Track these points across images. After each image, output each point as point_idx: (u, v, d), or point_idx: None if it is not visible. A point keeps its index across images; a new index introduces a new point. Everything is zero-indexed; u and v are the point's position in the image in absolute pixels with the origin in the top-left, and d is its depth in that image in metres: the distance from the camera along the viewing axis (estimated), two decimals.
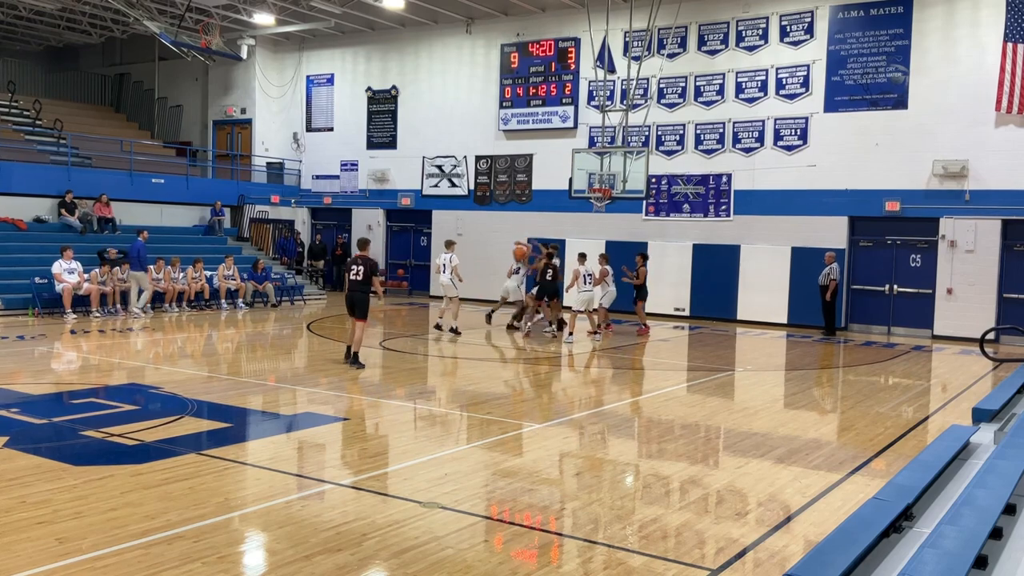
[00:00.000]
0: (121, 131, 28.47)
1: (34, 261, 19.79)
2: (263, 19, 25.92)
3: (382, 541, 5.77)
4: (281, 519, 6.20)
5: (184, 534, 5.74)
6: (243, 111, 29.35)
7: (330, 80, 28.65)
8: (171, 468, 7.34)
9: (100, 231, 22.58)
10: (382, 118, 27.70)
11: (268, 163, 29.40)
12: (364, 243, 13.88)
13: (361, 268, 12.97)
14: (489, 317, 19.51)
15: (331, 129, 28.70)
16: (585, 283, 17.38)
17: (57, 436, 8.58)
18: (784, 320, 20.91)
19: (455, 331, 17.33)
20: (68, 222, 22.17)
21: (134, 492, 6.64)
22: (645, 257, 19.61)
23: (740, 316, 21.56)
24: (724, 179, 22.02)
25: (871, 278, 20.70)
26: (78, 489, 6.64)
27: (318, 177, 29.00)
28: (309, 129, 29.19)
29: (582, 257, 18.08)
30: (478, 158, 25.82)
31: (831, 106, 20.71)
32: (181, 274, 20.82)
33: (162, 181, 25.51)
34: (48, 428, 8.88)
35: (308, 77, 29.08)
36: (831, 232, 20.66)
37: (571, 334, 17.12)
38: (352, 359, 13.08)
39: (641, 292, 19.12)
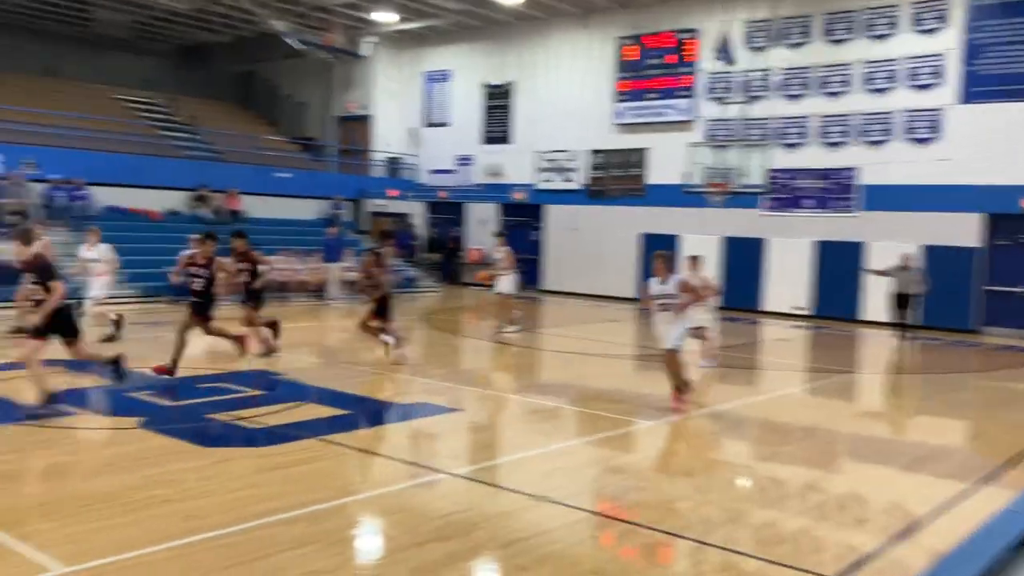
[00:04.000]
0: (249, 127, 29.63)
1: (168, 251, 20.78)
2: (385, 17, 26.48)
3: (491, 532, 5.81)
4: (393, 506, 6.33)
5: (301, 516, 5.91)
6: (364, 107, 30.08)
7: (447, 76, 29.02)
8: (292, 452, 7.58)
9: (231, 223, 23.57)
10: (497, 113, 27.89)
11: (387, 158, 30.05)
12: (23, 234, 9.23)
13: (34, 275, 8.71)
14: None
15: (447, 124, 29.09)
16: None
17: (186, 418, 8.99)
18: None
19: None
20: (200, 214, 23.25)
21: (257, 474, 6.89)
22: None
23: (865, 316, 20.64)
24: (849, 173, 21.21)
25: (1008, 278, 19.52)
26: (204, 470, 6.93)
27: (434, 171, 29.45)
28: (426, 124, 29.66)
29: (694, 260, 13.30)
30: (592, 152, 25.69)
31: (966, 97, 19.66)
32: (301, 266, 21.52)
33: (287, 175, 26.43)
34: (178, 411, 9.33)
35: (426, 73, 29.53)
36: (963, 229, 19.61)
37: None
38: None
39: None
